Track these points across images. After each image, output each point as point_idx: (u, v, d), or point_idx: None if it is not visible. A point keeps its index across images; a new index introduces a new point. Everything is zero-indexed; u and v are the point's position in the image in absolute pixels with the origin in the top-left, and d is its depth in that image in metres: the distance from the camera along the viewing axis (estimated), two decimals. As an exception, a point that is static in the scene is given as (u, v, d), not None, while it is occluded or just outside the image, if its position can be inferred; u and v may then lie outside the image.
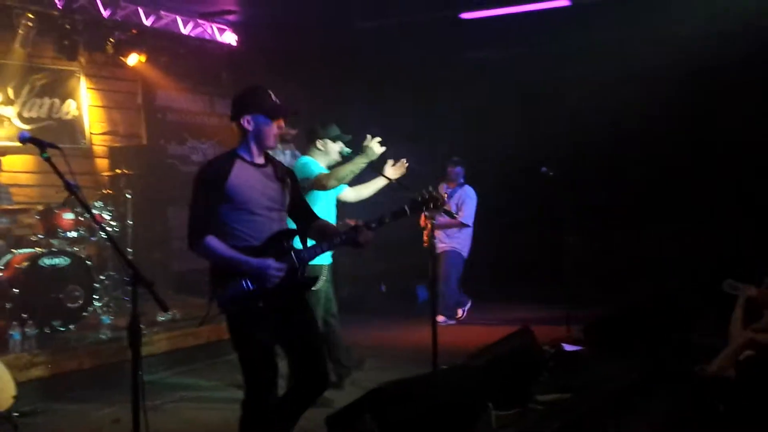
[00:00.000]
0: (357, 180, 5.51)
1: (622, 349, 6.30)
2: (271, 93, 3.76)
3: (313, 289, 5.30)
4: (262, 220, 3.65)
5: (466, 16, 8.86)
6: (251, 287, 3.55)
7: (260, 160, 3.75)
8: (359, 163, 5.22)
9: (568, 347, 6.32)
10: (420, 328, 7.51)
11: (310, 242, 3.91)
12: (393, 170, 5.47)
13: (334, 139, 5.47)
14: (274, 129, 3.71)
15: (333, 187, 5.28)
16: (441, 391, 4.30)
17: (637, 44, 8.85)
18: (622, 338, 6.49)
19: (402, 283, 10.14)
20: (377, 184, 5.61)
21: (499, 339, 5.47)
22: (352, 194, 5.72)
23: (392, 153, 5.55)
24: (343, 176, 5.24)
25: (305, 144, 5.72)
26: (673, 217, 9.08)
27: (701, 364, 5.46)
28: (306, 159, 5.50)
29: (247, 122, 3.68)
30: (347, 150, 5.44)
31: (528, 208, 9.63)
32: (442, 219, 7.93)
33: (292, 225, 3.95)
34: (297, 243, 3.81)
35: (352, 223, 5.69)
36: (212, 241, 3.56)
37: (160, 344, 6.57)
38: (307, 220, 3.92)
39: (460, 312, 8.84)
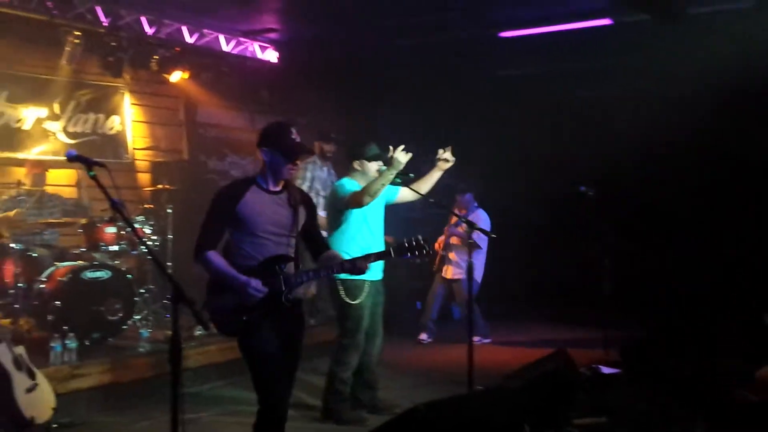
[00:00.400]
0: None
1: (659, 372, 6.21)
2: (292, 131, 3.97)
3: (353, 302, 5.35)
4: (268, 243, 3.90)
5: (506, 35, 8.84)
6: (237, 302, 3.82)
7: (276, 188, 3.99)
8: (388, 175, 5.24)
9: (605, 369, 6.25)
10: (456, 347, 7.52)
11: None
12: (444, 159, 5.51)
13: (371, 159, 5.50)
14: (288, 166, 3.93)
15: (368, 203, 5.30)
16: (477, 413, 4.28)
17: (675, 65, 8.77)
18: (660, 361, 6.41)
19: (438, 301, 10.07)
20: (433, 177, 5.61)
21: (535, 360, 5.42)
22: (410, 194, 5.68)
23: (428, 169, 5.60)
24: (375, 190, 5.26)
25: (346, 163, 5.75)
26: (709, 238, 8.95)
27: (739, 387, 5.37)
28: (342, 180, 5.54)
29: (265, 155, 3.94)
30: (385, 168, 5.47)
31: (565, 228, 9.55)
32: (475, 236, 7.87)
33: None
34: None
35: (389, 240, 5.72)
36: (212, 255, 3.87)
37: (198, 357, 6.63)
38: (316, 247, 4.17)
39: (424, 336, 8.78)
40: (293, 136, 3.95)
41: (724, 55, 8.20)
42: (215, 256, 3.87)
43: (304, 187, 7.60)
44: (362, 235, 5.47)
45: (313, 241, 4.15)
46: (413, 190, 5.56)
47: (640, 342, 6.99)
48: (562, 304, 9.61)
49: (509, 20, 8.63)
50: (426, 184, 5.61)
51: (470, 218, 8.36)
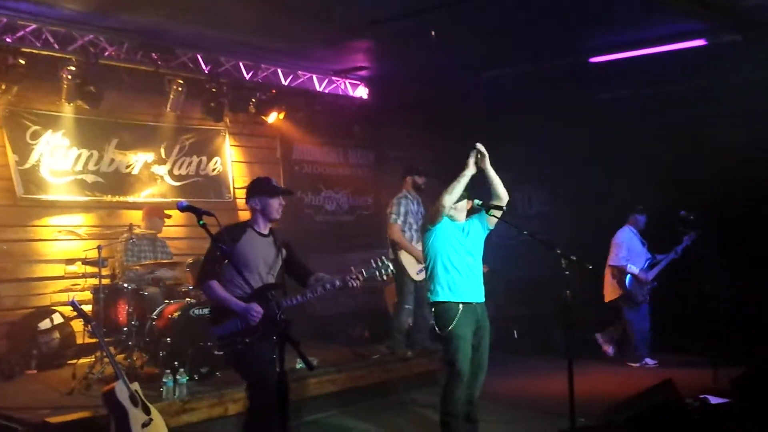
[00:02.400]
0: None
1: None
2: (271, 179, 4.97)
3: (441, 332, 5.32)
4: (257, 276, 4.74)
5: (596, 60, 8.75)
6: (240, 326, 4.59)
7: (265, 231, 4.89)
8: (462, 175, 5.24)
9: (713, 400, 6.01)
10: (556, 377, 7.40)
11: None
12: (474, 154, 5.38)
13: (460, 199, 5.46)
14: (275, 204, 4.83)
15: (450, 202, 5.26)
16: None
17: None
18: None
19: (537, 329, 9.92)
20: (491, 179, 5.43)
21: (640, 392, 5.31)
22: (496, 199, 5.48)
23: (520, 196, 5.55)
24: (452, 189, 5.24)
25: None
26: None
27: None
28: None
29: (255, 203, 4.86)
30: (478, 201, 5.45)
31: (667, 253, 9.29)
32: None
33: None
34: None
35: (485, 269, 5.69)
36: (214, 284, 4.68)
37: (316, 386, 6.82)
38: (300, 276, 5.01)
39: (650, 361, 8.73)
40: (273, 183, 4.90)
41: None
42: (216, 285, 4.67)
43: (399, 222, 7.69)
44: (452, 266, 5.42)
45: (296, 271, 5.00)
46: (493, 214, 5.43)
47: (753, 371, 6.69)
48: (668, 329, 9.33)
49: (601, 46, 8.55)
50: (498, 187, 5.44)
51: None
